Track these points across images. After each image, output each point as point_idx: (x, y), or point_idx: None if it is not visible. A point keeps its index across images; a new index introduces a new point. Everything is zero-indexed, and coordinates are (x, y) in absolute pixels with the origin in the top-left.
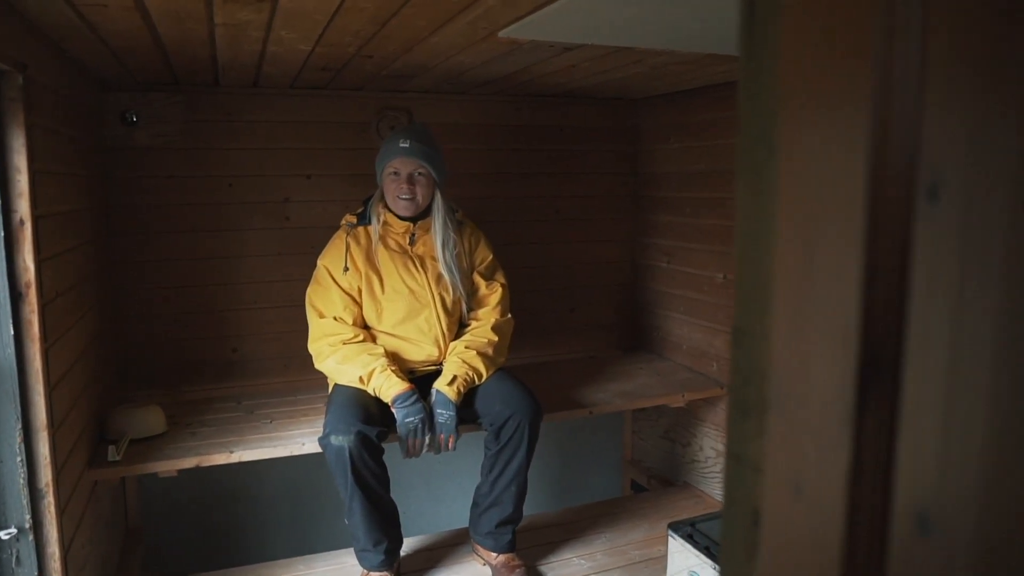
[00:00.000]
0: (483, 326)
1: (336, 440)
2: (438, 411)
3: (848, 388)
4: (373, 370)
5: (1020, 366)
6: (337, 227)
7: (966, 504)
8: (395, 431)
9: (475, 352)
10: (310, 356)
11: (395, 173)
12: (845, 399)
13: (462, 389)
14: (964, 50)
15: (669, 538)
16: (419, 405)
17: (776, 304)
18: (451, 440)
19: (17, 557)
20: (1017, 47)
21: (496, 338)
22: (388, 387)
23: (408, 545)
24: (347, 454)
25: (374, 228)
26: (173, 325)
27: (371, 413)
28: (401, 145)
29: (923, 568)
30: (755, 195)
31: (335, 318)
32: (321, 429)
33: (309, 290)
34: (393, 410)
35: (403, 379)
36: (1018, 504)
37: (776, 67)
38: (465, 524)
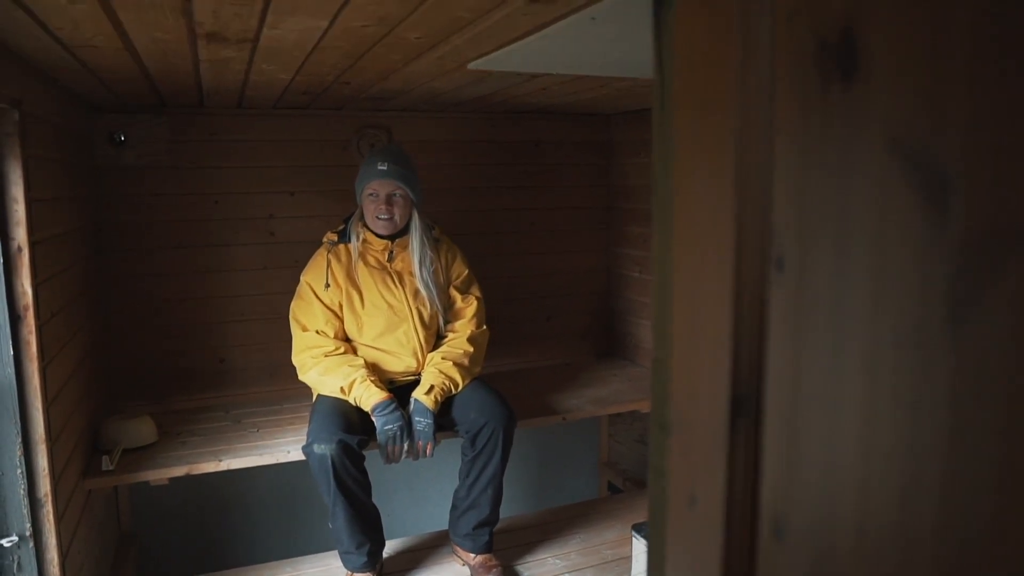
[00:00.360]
0: (459, 337)
1: (319, 448)
2: (416, 419)
3: (723, 415)
4: (354, 381)
5: (846, 404)
6: (319, 243)
7: (808, 513)
8: (376, 439)
9: (451, 363)
10: (295, 367)
11: (374, 194)
12: (721, 427)
13: (439, 398)
14: (799, 157)
15: (633, 538)
16: (397, 413)
17: (675, 344)
18: (428, 447)
19: (18, 563)
20: (828, 164)
21: (472, 349)
22: (368, 397)
23: (390, 547)
24: (329, 462)
25: (354, 246)
26: (162, 338)
27: (352, 422)
28: (379, 168)
29: (780, 567)
30: (662, 246)
31: (317, 331)
32: (305, 438)
33: (293, 305)
34: (373, 418)
35: (382, 389)
36: (846, 513)
37: (673, 148)
38: (445, 526)
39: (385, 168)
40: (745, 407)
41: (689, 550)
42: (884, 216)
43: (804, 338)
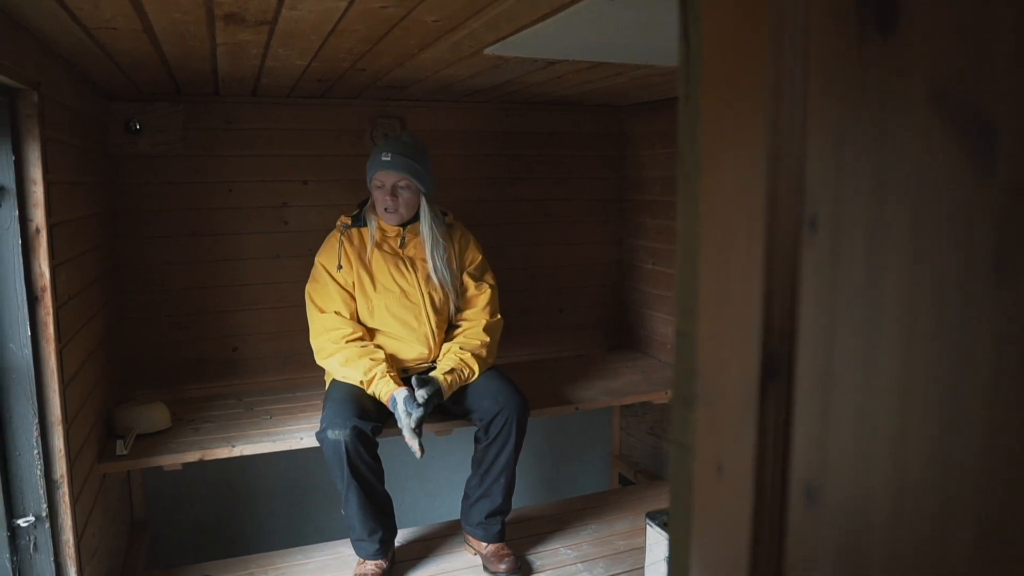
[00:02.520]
0: (475, 327)
1: (333, 434)
2: (419, 391)
3: (753, 384)
4: (374, 377)
5: (882, 365)
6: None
7: (842, 478)
8: (389, 426)
9: (470, 353)
10: (308, 354)
11: (380, 186)
12: (751, 394)
13: (452, 381)
14: (834, 115)
15: (647, 527)
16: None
17: (702, 314)
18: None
19: (35, 543)
20: (865, 120)
21: (488, 338)
22: (385, 394)
23: (402, 536)
24: (343, 448)
25: (372, 232)
26: (176, 325)
27: (366, 409)
28: (383, 158)
29: (812, 533)
30: (688, 219)
31: (335, 312)
32: (318, 424)
33: (308, 287)
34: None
35: (399, 384)
36: (880, 478)
37: (700, 119)
38: (457, 516)
39: (389, 159)
40: (777, 371)
41: (716, 521)
42: (924, 169)
43: (838, 298)
